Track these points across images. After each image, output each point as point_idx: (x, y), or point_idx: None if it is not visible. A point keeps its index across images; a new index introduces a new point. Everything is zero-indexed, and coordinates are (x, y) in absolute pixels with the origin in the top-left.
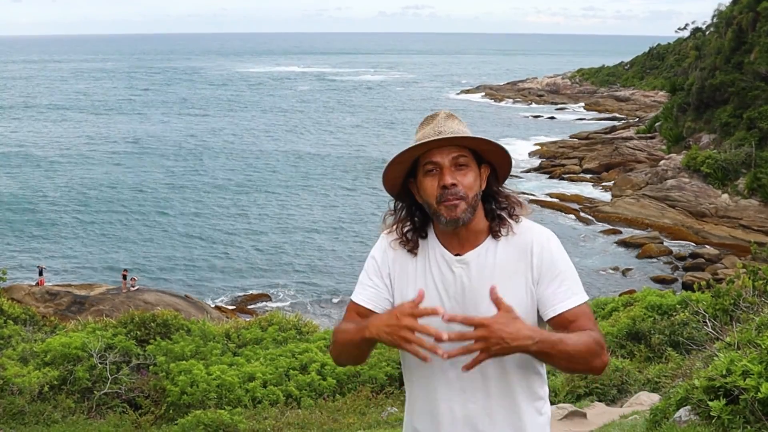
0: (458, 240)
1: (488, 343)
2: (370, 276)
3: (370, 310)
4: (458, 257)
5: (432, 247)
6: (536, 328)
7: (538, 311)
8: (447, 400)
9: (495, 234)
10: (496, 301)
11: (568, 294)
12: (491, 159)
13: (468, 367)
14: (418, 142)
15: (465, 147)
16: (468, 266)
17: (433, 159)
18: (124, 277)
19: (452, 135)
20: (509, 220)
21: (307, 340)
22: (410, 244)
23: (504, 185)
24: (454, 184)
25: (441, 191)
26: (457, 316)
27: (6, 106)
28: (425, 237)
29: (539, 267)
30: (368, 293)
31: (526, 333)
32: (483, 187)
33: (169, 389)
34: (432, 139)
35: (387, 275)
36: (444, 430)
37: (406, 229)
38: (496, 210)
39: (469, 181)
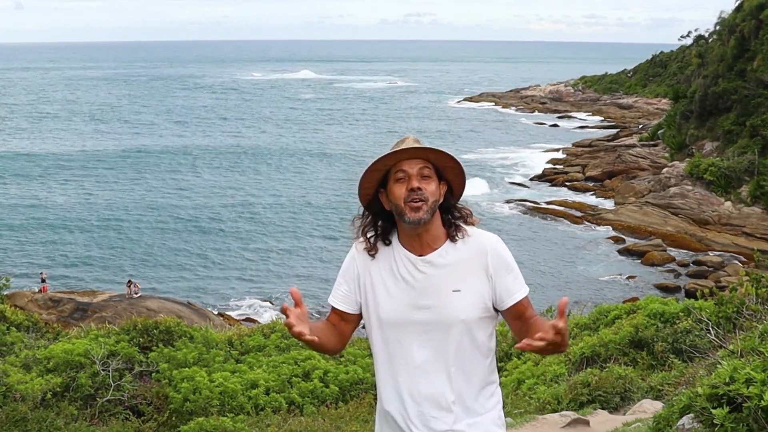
0: (420, 243)
1: (557, 347)
2: (341, 281)
3: (343, 311)
4: (422, 257)
5: (396, 251)
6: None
7: (493, 301)
8: (413, 383)
9: (452, 238)
10: (561, 312)
11: (519, 286)
12: (449, 177)
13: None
14: (392, 151)
15: (429, 162)
16: (431, 264)
17: (403, 168)
18: (129, 285)
19: (420, 146)
20: (464, 226)
21: None
22: (372, 247)
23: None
24: (419, 188)
25: (408, 193)
26: (545, 336)
27: (7, 115)
28: (389, 244)
29: (494, 265)
30: (339, 296)
31: (567, 340)
32: (441, 200)
33: (172, 396)
34: (404, 147)
35: (355, 279)
36: (411, 407)
37: (369, 234)
38: (452, 219)
39: (432, 188)
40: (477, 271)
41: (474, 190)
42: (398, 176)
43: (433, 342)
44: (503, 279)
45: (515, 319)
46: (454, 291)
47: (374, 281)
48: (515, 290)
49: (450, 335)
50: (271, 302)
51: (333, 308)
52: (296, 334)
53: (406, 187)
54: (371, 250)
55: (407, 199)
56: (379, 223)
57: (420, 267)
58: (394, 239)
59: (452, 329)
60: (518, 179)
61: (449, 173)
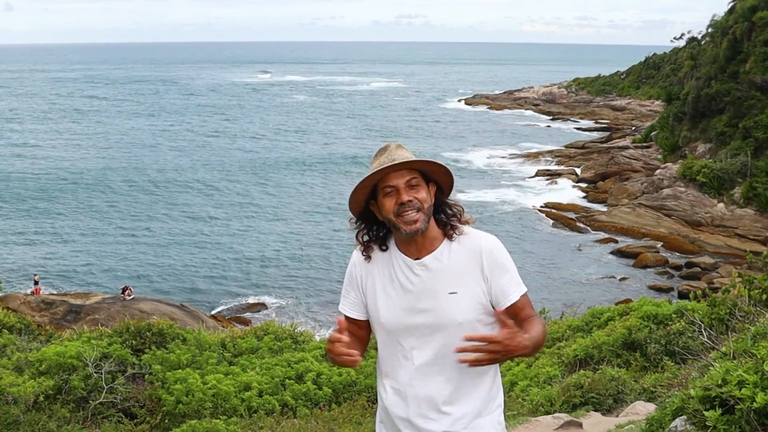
0: (416, 247)
1: (497, 354)
2: (348, 289)
3: (355, 319)
4: (418, 261)
5: (394, 255)
6: (529, 335)
7: (490, 301)
8: (413, 385)
9: (449, 237)
10: (502, 321)
11: (515, 286)
12: (436, 178)
13: (469, 363)
14: (376, 169)
15: (415, 170)
16: (427, 267)
17: (390, 183)
18: (123, 291)
19: (403, 160)
20: (459, 225)
21: (303, 349)
22: (367, 249)
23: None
24: (410, 200)
25: (398, 207)
26: (474, 336)
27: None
28: (386, 249)
29: (489, 266)
30: (348, 304)
31: (525, 343)
32: (432, 201)
33: (165, 399)
34: (388, 165)
35: (359, 285)
36: (410, 408)
37: (365, 239)
38: (446, 218)
39: (423, 195)
40: (473, 273)
41: (467, 192)
42: (386, 191)
43: (433, 345)
44: (498, 280)
45: (512, 319)
46: (450, 293)
47: (375, 286)
48: (510, 291)
49: (449, 338)
50: (264, 304)
51: (346, 317)
52: (343, 353)
53: (396, 201)
54: (366, 251)
55: (398, 212)
56: (374, 228)
57: (416, 270)
58: (392, 244)
59: (451, 332)
60: (511, 181)
61: (436, 175)
